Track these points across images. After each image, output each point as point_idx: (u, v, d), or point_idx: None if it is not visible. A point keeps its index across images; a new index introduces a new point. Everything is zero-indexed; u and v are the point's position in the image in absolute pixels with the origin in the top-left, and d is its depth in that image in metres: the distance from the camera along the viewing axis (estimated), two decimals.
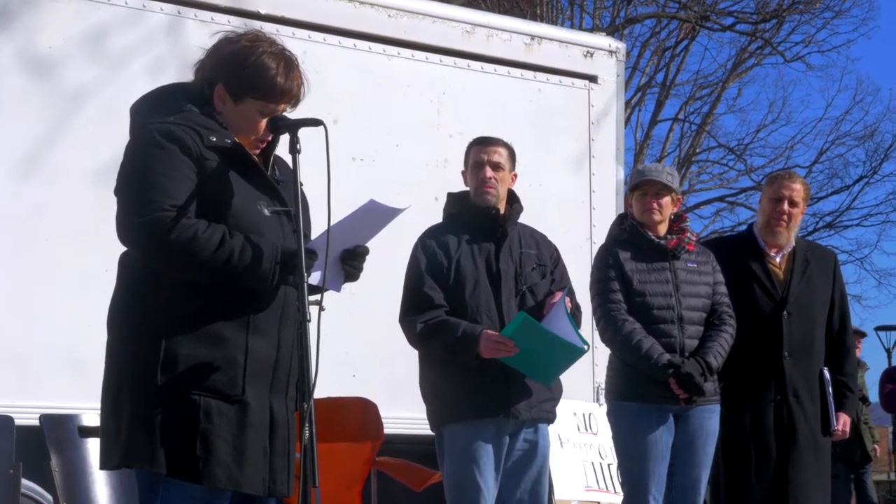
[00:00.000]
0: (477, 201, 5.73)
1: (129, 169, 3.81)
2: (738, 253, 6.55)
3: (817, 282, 6.61)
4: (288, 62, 3.94)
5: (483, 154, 5.75)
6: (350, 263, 3.98)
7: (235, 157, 3.86)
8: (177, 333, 3.72)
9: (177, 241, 3.68)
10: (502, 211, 5.76)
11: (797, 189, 6.56)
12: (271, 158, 4.02)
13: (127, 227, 3.75)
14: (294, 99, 3.96)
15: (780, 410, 6.41)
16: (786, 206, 6.53)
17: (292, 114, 3.98)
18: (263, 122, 3.93)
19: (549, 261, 5.82)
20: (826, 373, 6.54)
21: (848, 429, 6.62)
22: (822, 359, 6.58)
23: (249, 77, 3.89)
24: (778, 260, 6.57)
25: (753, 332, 6.38)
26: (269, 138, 3.97)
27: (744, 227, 8.05)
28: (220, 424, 3.74)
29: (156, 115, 3.87)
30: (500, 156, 5.76)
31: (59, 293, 6.81)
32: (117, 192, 3.84)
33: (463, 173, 5.85)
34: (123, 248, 3.89)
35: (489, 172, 5.71)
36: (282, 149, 3.98)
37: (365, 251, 4.01)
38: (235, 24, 7.10)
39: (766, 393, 6.42)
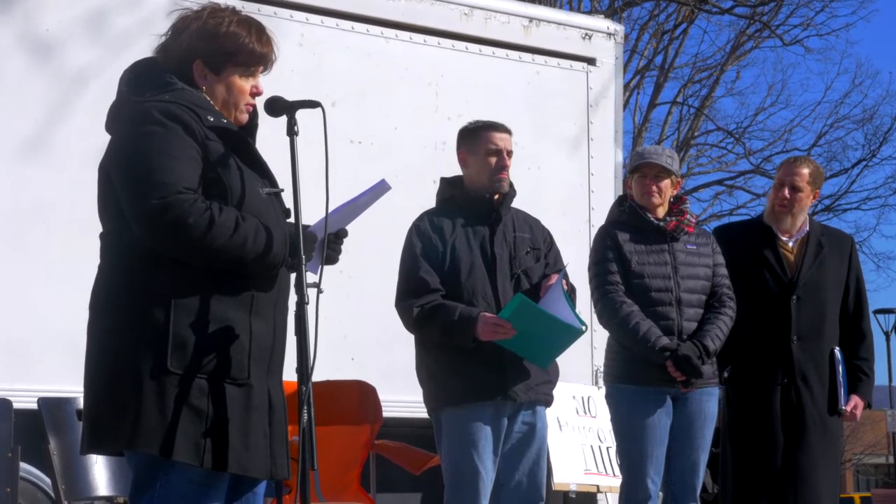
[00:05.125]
0: (492, 187, 5.68)
1: (131, 148, 3.75)
2: (749, 236, 6.55)
3: (830, 266, 6.59)
4: (258, 27, 3.98)
5: (500, 141, 5.71)
6: (331, 247, 3.98)
7: (233, 138, 3.86)
8: (184, 315, 3.68)
9: (195, 227, 3.64)
10: (496, 195, 5.75)
11: (801, 173, 6.53)
12: (255, 137, 4.01)
13: (139, 210, 3.68)
14: (270, 62, 3.99)
15: (787, 394, 6.41)
16: (786, 192, 6.51)
17: (289, 96, 3.98)
18: (246, 86, 3.94)
19: (542, 244, 5.81)
20: (837, 352, 6.53)
21: (859, 412, 6.59)
22: (835, 342, 6.56)
23: (226, 47, 3.91)
24: (791, 244, 6.56)
25: (761, 316, 6.39)
26: (254, 102, 3.97)
27: (743, 211, 8.05)
28: (229, 408, 3.72)
29: (147, 91, 3.84)
30: (511, 143, 5.77)
31: (57, 277, 6.81)
32: (110, 169, 3.79)
33: (461, 156, 5.80)
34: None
35: (508, 161, 5.71)
36: (279, 131, 3.98)
37: (345, 234, 4.03)
38: (228, 6, 7.09)
39: (774, 377, 6.42)
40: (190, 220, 3.64)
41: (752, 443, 6.37)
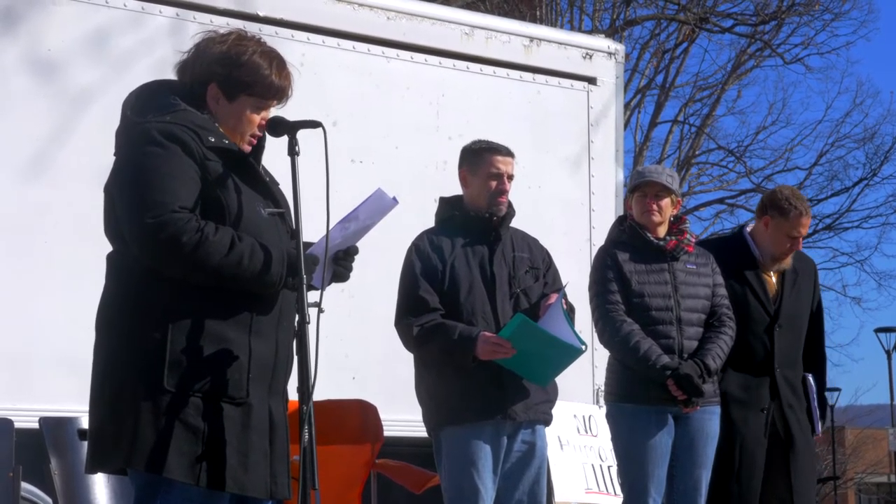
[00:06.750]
0: (491, 209, 5.71)
1: (130, 168, 3.80)
2: (734, 259, 6.52)
3: (804, 293, 6.66)
4: (279, 60, 4.00)
5: (502, 165, 5.74)
6: (341, 263, 4.00)
7: (234, 158, 3.87)
8: (182, 334, 3.72)
9: (189, 245, 3.68)
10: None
11: (808, 224, 6.61)
12: (261, 158, 4.03)
13: (135, 228, 3.73)
14: (285, 96, 4.01)
15: (775, 421, 6.43)
16: (800, 243, 6.58)
17: (291, 115, 4.00)
18: (255, 118, 3.95)
19: (541, 264, 5.82)
20: (811, 379, 6.59)
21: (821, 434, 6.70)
22: (802, 366, 6.63)
23: (244, 76, 3.93)
24: (771, 271, 6.59)
25: (747, 344, 6.39)
26: (261, 134, 3.98)
27: None
28: (227, 427, 3.74)
29: (149, 113, 3.87)
30: (513, 167, 5.78)
31: (59, 295, 6.81)
32: (112, 189, 3.83)
33: (462, 175, 5.81)
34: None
35: (508, 185, 5.72)
36: (280, 150, 3.99)
37: (355, 251, 4.03)
38: (254, 35, 7.13)
39: (758, 403, 6.42)
40: (184, 239, 3.67)
41: (728, 467, 6.31)
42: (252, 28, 7.08)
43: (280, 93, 3.98)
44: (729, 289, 6.31)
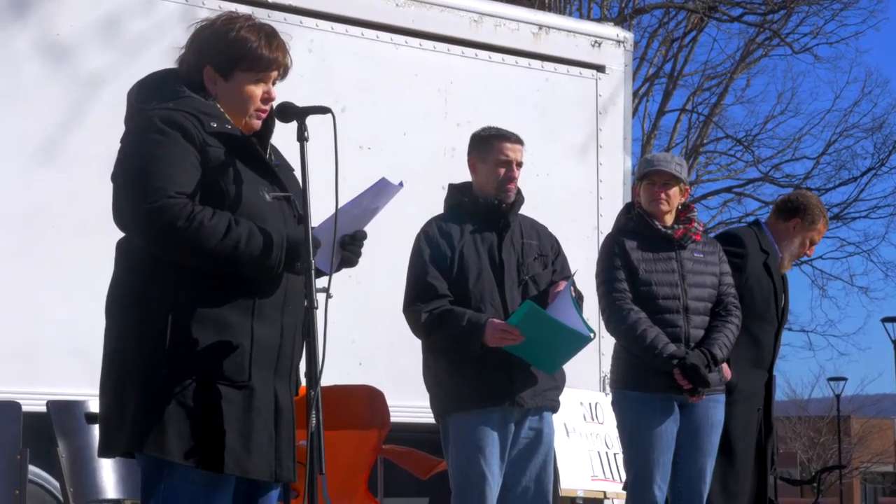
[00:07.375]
0: (499, 196, 5.71)
1: (131, 155, 3.82)
2: (763, 253, 6.61)
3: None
4: (268, 32, 3.98)
5: (510, 152, 5.74)
6: (349, 248, 3.99)
7: (236, 143, 3.88)
8: (182, 319, 3.73)
9: (184, 230, 3.69)
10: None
11: None
12: (268, 143, 4.03)
13: (133, 214, 3.75)
14: (282, 67, 3.99)
15: (768, 416, 6.55)
16: (812, 249, 6.77)
17: (299, 102, 4.00)
18: (256, 92, 3.95)
19: (550, 251, 5.82)
20: (776, 375, 6.79)
21: None
22: None
23: (234, 51, 3.92)
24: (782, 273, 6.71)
25: (760, 344, 6.45)
26: (268, 109, 3.99)
27: (751, 220, 8.01)
28: (227, 410, 3.75)
29: (153, 100, 3.88)
30: (522, 154, 5.78)
31: (67, 280, 6.83)
32: (116, 177, 3.85)
33: (471, 162, 5.82)
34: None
35: (517, 172, 5.73)
36: (289, 136, 3.99)
37: (363, 236, 4.02)
38: (244, 14, 7.12)
39: (757, 402, 6.55)
40: (179, 224, 3.68)
41: (730, 463, 6.39)
42: (261, 14, 7.09)
43: (274, 63, 3.96)
44: (756, 282, 6.37)
